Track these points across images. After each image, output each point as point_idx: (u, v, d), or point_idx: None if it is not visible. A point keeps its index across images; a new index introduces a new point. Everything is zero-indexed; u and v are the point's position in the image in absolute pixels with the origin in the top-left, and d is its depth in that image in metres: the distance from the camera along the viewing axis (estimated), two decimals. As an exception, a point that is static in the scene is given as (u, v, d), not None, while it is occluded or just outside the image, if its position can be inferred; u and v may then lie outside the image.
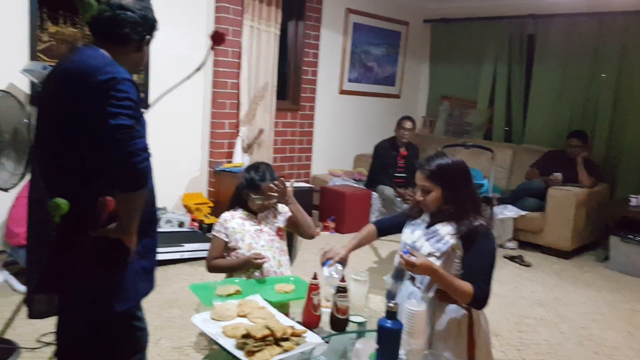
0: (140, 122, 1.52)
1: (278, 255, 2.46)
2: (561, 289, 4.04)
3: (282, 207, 2.55)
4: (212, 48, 0.94)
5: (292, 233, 2.85)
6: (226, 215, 2.49)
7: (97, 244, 1.55)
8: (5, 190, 2.29)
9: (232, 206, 2.54)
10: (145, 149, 1.49)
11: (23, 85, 3.75)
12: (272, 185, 2.40)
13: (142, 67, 1.82)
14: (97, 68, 1.50)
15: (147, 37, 1.71)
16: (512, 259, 4.65)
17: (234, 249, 2.43)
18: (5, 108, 2.20)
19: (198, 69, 0.97)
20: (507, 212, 4.99)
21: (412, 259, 1.81)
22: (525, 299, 3.77)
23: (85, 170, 1.53)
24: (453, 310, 1.91)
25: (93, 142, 1.48)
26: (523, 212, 4.98)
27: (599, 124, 5.51)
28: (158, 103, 4.71)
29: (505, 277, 4.14)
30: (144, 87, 4.39)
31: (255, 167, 2.50)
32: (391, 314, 1.62)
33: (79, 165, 1.53)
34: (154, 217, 1.77)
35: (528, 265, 4.53)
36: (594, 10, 5.41)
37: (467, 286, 1.82)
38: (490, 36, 6.26)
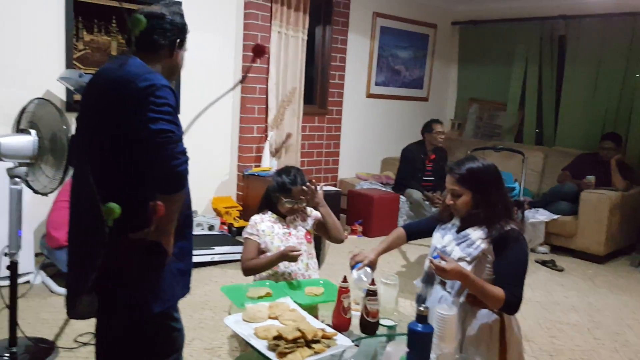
0: (178, 126, 1.57)
1: (306, 258, 2.47)
2: (595, 294, 3.96)
3: (310, 211, 2.57)
4: (253, 61, 0.97)
5: (320, 236, 2.87)
6: (256, 217, 2.52)
7: (136, 246, 1.60)
8: (45, 194, 2.36)
9: (261, 209, 2.57)
10: (184, 152, 1.55)
11: (60, 92, 3.87)
12: (303, 188, 2.42)
13: (178, 72, 1.86)
14: (137, 75, 1.56)
15: (178, 41, 1.75)
16: (544, 263, 4.57)
17: (263, 252, 2.46)
18: (45, 115, 2.28)
19: (241, 81, 1.00)
20: (539, 216, 4.92)
21: (443, 264, 1.81)
22: (558, 304, 3.70)
23: (128, 174, 1.58)
24: (484, 315, 1.90)
25: (135, 146, 1.53)
26: (555, 216, 4.89)
27: (632, 125, 5.39)
28: (189, 109, 4.80)
29: (537, 282, 4.08)
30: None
31: (286, 170, 2.52)
32: (422, 317, 1.62)
33: (122, 169, 1.58)
34: (190, 219, 1.82)
35: (560, 270, 4.45)
36: (626, 10, 5.29)
37: (498, 291, 1.81)
38: (520, 38, 6.19)
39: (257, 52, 1.00)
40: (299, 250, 2.31)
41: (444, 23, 6.69)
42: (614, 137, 5.06)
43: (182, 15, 1.78)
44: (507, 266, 1.86)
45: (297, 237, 2.48)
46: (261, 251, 2.46)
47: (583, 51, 5.72)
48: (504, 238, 1.87)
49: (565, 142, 5.85)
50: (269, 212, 2.53)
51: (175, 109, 1.58)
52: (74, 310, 1.72)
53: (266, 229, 2.47)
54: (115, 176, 1.59)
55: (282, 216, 2.51)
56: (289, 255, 2.29)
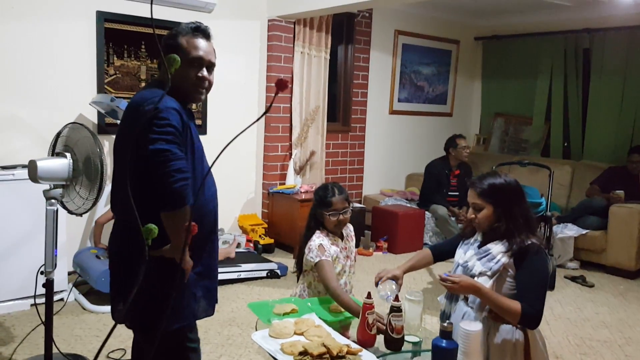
0: (181, 146, 1.64)
1: (353, 280, 2.50)
2: (626, 310, 3.87)
3: (351, 227, 2.58)
4: (277, 93, 1.02)
5: None
6: (324, 242, 2.39)
7: (156, 264, 1.67)
8: (79, 215, 2.45)
9: (308, 229, 2.48)
10: (180, 170, 1.60)
11: (92, 115, 4.01)
12: (344, 198, 2.42)
13: (188, 92, 1.82)
14: (145, 99, 1.70)
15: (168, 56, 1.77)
16: (573, 279, 4.49)
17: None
18: (80, 139, 2.37)
19: (265, 113, 1.06)
20: (568, 231, 4.85)
21: (452, 278, 1.85)
22: (588, 321, 3.64)
23: (146, 191, 1.64)
24: (507, 331, 1.89)
25: (146, 166, 1.61)
26: (584, 231, 4.81)
27: (662, 137, 5.29)
28: (216, 128, 4.89)
29: (566, 298, 4.01)
30: (201, 113, 4.59)
31: (323, 187, 2.52)
32: (446, 333, 1.63)
33: (142, 186, 1.65)
34: (213, 237, 1.86)
35: (591, 286, 4.37)
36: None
37: (514, 304, 1.81)
38: (544, 51, 6.16)
39: (280, 86, 1.05)
40: (381, 320, 1.97)
41: (467, 38, 6.71)
42: (642, 150, 4.98)
43: (174, 35, 1.80)
44: (526, 279, 1.86)
45: (351, 259, 2.50)
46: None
47: (609, 64, 5.67)
48: (524, 252, 1.88)
49: (593, 155, 5.78)
50: (321, 234, 2.43)
51: (181, 129, 1.65)
52: (114, 315, 1.83)
53: (333, 252, 2.40)
54: (138, 194, 1.65)
55: (336, 235, 2.49)
56: (375, 321, 1.93)
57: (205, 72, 1.82)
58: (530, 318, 1.82)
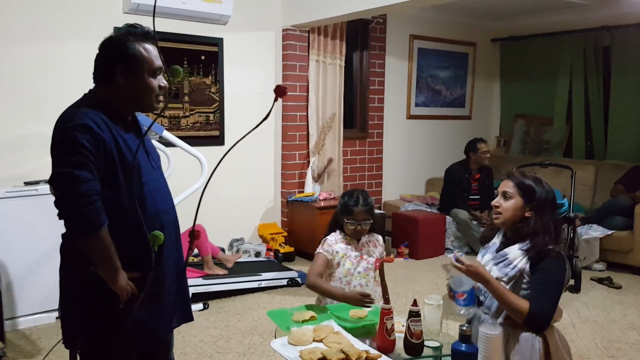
0: (91, 165, 1.51)
1: (372, 284, 2.47)
2: (657, 312, 3.77)
3: (378, 237, 2.56)
4: (276, 100, 1.03)
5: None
6: (331, 239, 2.49)
7: (96, 283, 1.59)
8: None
9: (329, 230, 2.54)
10: (84, 194, 1.47)
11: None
12: (366, 210, 2.41)
13: (153, 98, 1.68)
14: (63, 116, 1.59)
15: (119, 66, 1.63)
16: (600, 281, 4.39)
17: (331, 274, 2.46)
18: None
19: (265, 119, 1.05)
20: (593, 232, 4.75)
21: (463, 261, 1.81)
22: (616, 323, 3.55)
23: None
24: (527, 339, 1.83)
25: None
26: (610, 232, 4.71)
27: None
28: (234, 138, 4.93)
29: (593, 300, 3.92)
30: (219, 124, 4.63)
31: (350, 193, 2.52)
32: (465, 337, 1.61)
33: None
34: (164, 260, 1.71)
35: (618, 287, 4.26)
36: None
37: (522, 302, 1.77)
38: (562, 51, 6.08)
39: (279, 92, 1.06)
40: (373, 301, 2.18)
41: (483, 40, 6.66)
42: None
43: (124, 42, 1.64)
44: (539, 280, 1.80)
45: (367, 261, 2.47)
46: (328, 269, 2.45)
47: (629, 61, 5.56)
48: (543, 256, 1.82)
49: (616, 154, 5.67)
50: (340, 233, 2.49)
51: (91, 146, 1.51)
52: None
53: (340, 250, 2.44)
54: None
55: (355, 239, 2.50)
56: (360, 303, 2.16)
57: (164, 81, 1.70)
58: (537, 319, 1.77)
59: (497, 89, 6.91)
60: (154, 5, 1.16)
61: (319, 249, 2.46)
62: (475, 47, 6.58)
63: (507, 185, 1.96)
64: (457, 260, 1.84)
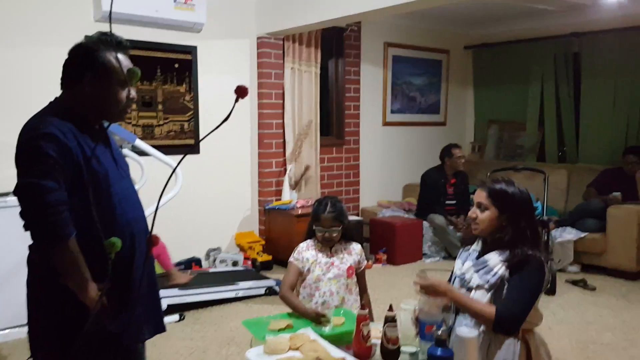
0: (56, 175, 1.47)
1: (343, 291, 2.44)
2: (629, 312, 3.83)
3: (355, 246, 2.55)
4: (237, 100, 1.01)
5: None
6: (302, 245, 2.52)
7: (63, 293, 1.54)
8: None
9: (306, 238, 2.56)
10: (49, 204, 1.44)
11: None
12: (333, 216, 2.41)
13: (121, 109, 1.66)
14: (28, 125, 1.56)
15: (87, 74, 1.60)
16: (575, 283, 4.46)
17: (303, 280, 2.46)
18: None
19: (225, 120, 1.03)
20: (567, 235, 4.82)
21: (419, 281, 1.84)
22: (591, 324, 3.60)
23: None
24: (508, 344, 1.82)
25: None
26: (583, 234, 4.78)
27: (656, 137, 5.29)
28: (208, 148, 4.87)
29: (569, 303, 3.97)
30: (194, 133, 4.59)
31: (320, 200, 2.53)
32: (441, 342, 1.61)
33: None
34: (133, 271, 1.66)
35: (592, 289, 4.33)
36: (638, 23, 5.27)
37: (488, 308, 1.78)
38: (534, 57, 6.19)
39: (239, 93, 1.05)
40: (328, 322, 2.14)
41: (456, 47, 6.75)
42: (637, 150, 4.98)
43: (95, 51, 1.61)
44: (515, 284, 1.81)
45: (339, 268, 2.46)
46: (300, 277, 2.46)
47: (599, 66, 5.69)
48: (523, 263, 1.82)
49: (588, 158, 5.78)
50: (313, 240, 2.52)
51: (56, 155, 1.48)
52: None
53: (310, 257, 2.45)
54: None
55: (324, 246, 2.49)
56: (315, 320, 2.15)
57: (134, 92, 1.68)
58: (503, 320, 1.76)
59: (470, 95, 7.00)
60: (110, 12, 1.14)
61: (291, 258, 2.49)
62: (448, 54, 6.66)
63: (481, 196, 1.96)
64: (421, 285, 1.85)
